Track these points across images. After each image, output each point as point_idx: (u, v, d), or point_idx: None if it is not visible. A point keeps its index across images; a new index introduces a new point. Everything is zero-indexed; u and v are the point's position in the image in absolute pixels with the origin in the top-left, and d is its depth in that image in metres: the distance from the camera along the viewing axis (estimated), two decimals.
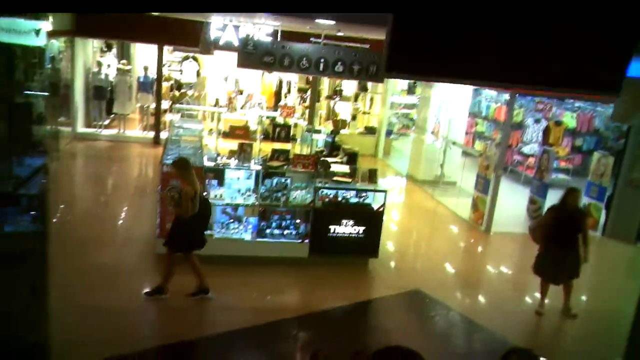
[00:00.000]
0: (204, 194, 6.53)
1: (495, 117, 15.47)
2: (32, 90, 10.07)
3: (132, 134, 14.67)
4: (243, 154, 7.54)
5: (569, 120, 14.97)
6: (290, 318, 6.19)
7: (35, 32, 7.80)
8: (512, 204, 11.29)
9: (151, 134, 14.55)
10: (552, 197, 11.38)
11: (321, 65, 5.84)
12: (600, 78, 2.17)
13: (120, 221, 8.76)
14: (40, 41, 8.05)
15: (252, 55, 5.65)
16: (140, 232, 8.11)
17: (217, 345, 5.60)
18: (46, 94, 10.50)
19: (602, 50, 2.10)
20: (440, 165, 12.74)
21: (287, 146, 10.28)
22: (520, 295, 7.63)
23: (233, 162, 7.62)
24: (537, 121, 14.64)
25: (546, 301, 6.91)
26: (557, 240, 6.56)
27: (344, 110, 16.47)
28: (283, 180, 7.63)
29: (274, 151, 8.77)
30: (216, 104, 14.77)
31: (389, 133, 16.26)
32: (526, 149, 14.30)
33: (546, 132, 14.76)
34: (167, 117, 14.83)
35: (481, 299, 7.51)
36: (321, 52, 5.88)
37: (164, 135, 13.85)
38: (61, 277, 5.21)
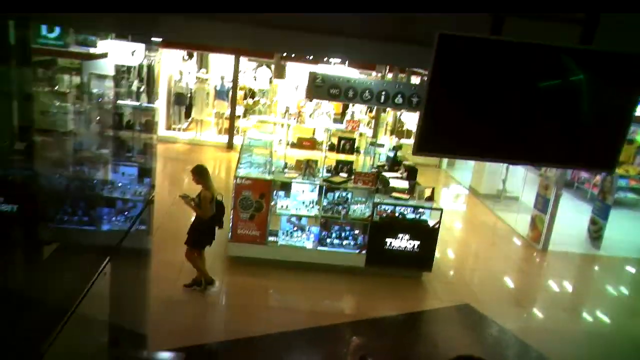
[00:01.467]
0: (219, 196, 7.24)
1: None
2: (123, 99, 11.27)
3: (207, 138, 15.76)
4: (308, 169, 8.19)
5: None
6: (343, 323, 6.78)
7: (132, 52, 8.80)
8: (574, 222, 11.30)
9: (225, 138, 15.57)
10: (616, 218, 11.38)
11: (382, 97, 6.38)
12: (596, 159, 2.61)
13: None
14: (136, 60, 9.07)
15: (320, 88, 6.27)
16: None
17: (276, 343, 6.26)
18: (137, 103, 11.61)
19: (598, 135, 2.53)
20: (503, 180, 12.86)
21: (351, 158, 10.87)
22: (569, 316, 7.81)
23: (299, 175, 8.29)
24: None
25: None
26: None
27: (410, 120, 16.80)
28: (344, 194, 8.22)
29: (338, 162, 9.52)
30: (286, 111, 15.58)
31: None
32: None
33: None
34: (241, 123, 15.89)
35: (528, 317, 7.76)
36: (383, 85, 6.42)
37: (237, 139, 14.87)
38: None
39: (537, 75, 2.42)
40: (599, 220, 10.51)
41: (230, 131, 15.53)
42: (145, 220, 7.86)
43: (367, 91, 6.34)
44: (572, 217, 11.48)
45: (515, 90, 2.43)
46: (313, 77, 6.25)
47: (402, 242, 8.09)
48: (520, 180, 12.71)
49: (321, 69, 6.65)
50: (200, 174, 7.03)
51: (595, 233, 10.51)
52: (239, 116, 15.96)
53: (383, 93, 6.37)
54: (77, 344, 2.99)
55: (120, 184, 8.19)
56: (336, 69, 10.64)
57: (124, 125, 9.42)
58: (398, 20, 3.30)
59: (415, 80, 12.13)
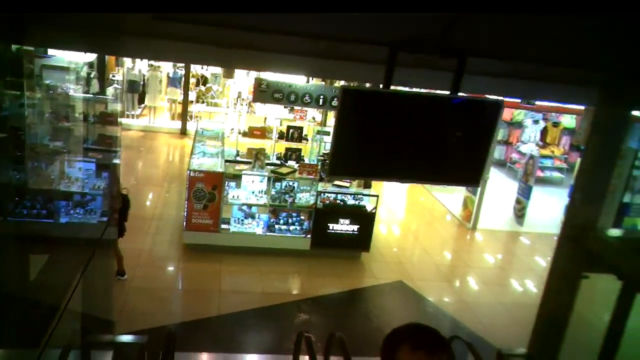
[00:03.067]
0: (124, 191, 7.77)
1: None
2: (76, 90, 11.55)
3: (160, 124, 16.13)
4: (258, 161, 8.88)
5: (569, 121, 15.92)
6: (290, 302, 7.60)
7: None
8: (503, 202, 12.46)
9: (178, 125, 15.98)
10: (541, 196, 12.61)
11: (320, 101, 7.13)
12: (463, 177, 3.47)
13: (152, 209, 10.24)
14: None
15: (264, 93, 6.96)
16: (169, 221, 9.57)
17: (227, 323, 7.02)
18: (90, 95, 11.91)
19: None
20: None
21: (300, 145, 11.60)
22: (490, 289, 8.90)
23: (249, 167, 8.99)
24: (536, 122, 15.62)
25: None
26: None
27: None
28: (291, 184, 8.98)
29: (287, 150, 10.39)
30: (238, 96, 16.08)
31: None
32: (524, 148, 15.32)
33: (544, 132, 15.79)
34: (193, 109, 16.31)
35: (454, 291, 8.80)
36: (321, 90, 7.14)
37: (190, 125, 15.35)
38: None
39: (414, 114, 3.24)
40: (522, 199, 11.68)
41: (183, 118, 15.95)
42: (107, 213, 8.43)
43: (307, 95, 7.07)
44: (501, 196, 12.65)
45: (398, 126, 3.24)
46: (258, 82, 6.92)
47: (343, 226, 8.95)
48: None
49: (267, 73, 7.25)
50: (112, 171, 7.57)
51: (519, 212, 11.69)
52: (191, 102, 16.36)
53: (321, 97, 7.12)
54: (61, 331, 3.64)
55: (77, 178, 8.64)
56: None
57: (77, 117, 9.81)
58: (328, 42, 3.99)
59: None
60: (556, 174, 15.21)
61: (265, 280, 8.11)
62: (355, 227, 8.97)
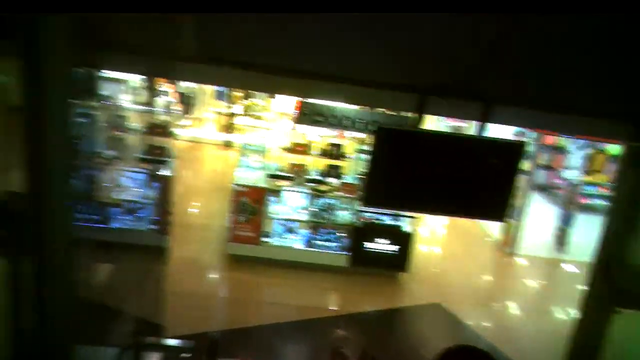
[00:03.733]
0: None
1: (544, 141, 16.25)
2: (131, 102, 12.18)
3: (206, 136, 16.68)
4: (298, 178, 9.13)
5: (615, 148, 15.60)
6: (326, 317, 7.77)
7: None
8: (545, 227, 12.31)
9: (223, 137, 16.50)
10: (584, 223, 12.40)
11: (359, 125, 7.37)
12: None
13: (198, 218, 10.61)
14: None
15: (306, 116, 7.25)
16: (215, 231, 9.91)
17: (266, 333, 7.24)
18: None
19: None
20: None
21: (340, 162, 11.82)
22: (527, 315, 8.84)
23: (291, 182, 9.25)
24: (580, 148, 15.37)
25: None
26: None
27: None
28: (331, 201, 9.19)
29: (328, 166, 10.59)
30: (282, 112, 16.46)
31: None
32: (567, 174, 15.07)
33: (589, 158, 15.52)
34: (238, 121, 16.81)
35: (493, 315, 8.78)
36: (360, 114, 7.38)
37: (234, 137, 15.88)
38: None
39: (443, 153, 3.42)
40: (563, 226, 11.53)
41: (228, 130, 16.44)
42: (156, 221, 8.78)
43: (347, 119, 7.31)
44: (543, 222, 12.51)
45: (428, 163, 3.43)
46: (301, 105, 7.20)
47: (382, 245, 9.04)
48: None
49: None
50: None
51: (560, 239, 11.54)
52: (236, 115, 16.85)
53: (360, 120, 7.36)
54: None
55: (128, 187, 9.08)
56: None
57: (129, 127, 10.31)
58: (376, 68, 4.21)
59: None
60: (600, 202, 14.89)
61: (303, 294, 8.31)
62: (394, 247, 9.02)
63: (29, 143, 1.99)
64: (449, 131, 14.59)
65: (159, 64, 4.60)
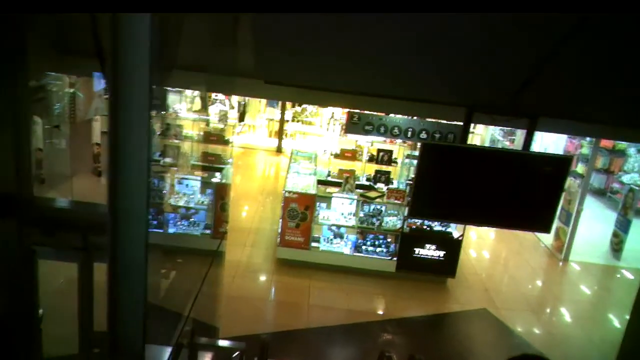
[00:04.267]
0: None
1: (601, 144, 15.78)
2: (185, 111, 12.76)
3: (259, 142, 17.15)
4: (347, 184, 9.35)
5: None
6: (374, 321, 7.94)
7: None
8: (600, 233, 12.00)
9: (275, 142, 16.92)
10: (638, 230, 12.01)
11: (409, 133, 7.49)
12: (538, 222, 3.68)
13: (250, 222, 11.01)
14: None
15: (356, 125, 7.45)
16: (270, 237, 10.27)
17: (314, 336, 7.49)
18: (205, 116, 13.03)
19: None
20: None
21: (389, 168, 11.96)
22: (577, 323, 8.69)
23: (339, 189, 9.48)
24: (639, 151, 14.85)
25: None
26: None
27: None
28: (379, 207, 9.35)
29: (377, 172, 10.77)
30: (331, 117, 16.75)
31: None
32: (625, 178, 14.60)
33: None
34: (289, 127, 17.21)
35: (540, 323, 8.69)
36: (410, 123, 7.50)
37: (285, 143, 16.25)
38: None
39: (487, 167, 3.54)
40: (620, 233, 11.21)
41: (280, 136, 16.86)
42: (210, 226, 9.21)
43: (396, 128, 7.47)
44: (599, 227, 12.19)
45: (473, 176, 3.56)
46: (350, 116, 7.42)
47: (429, 251, 9.13)
48: None
49: None
50: None
51: (617, 245, 11.21)
52: (287, 121, 17.26)
53: (410, 129, 7.48)
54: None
55: (184, 193, 9.56)
56: None
57: (185, 135, 10.81)
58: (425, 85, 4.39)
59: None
60: None
61: (351, 299, 8.51)
62: (441, 253, 9.11)
63: (112, 151, 2.31)
64: (493, 146, 14.54)
65: (217, 81, 4.96)
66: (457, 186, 3.63)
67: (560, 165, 3.67)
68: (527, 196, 3.63)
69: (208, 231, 9.16)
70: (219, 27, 4.06)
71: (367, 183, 10.47)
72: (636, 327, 4.83)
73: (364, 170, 11.85)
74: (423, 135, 7.34)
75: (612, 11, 2.67)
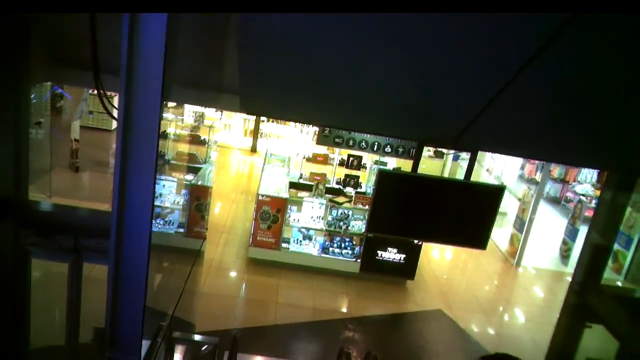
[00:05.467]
0: None
1: None
2: None
3: (233, 141, 17.58)
4: (317, 190, 9.92)
5: None
6: (338, 319, 8.55)
7: None
8: (552, 240, 12.87)
9: (250, 142, 17.39)
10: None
11: (375, 147, 8.13)
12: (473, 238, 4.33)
13: (223, 220, 11.50)
14: None
15: (327, 137, 8.05)
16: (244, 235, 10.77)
17: (281, 332, 8.05)
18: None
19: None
20: None
21: (358, 173, 12.59)
22: (524, 325, 9.48)
23: (309, 194, 10.05)
24: None
25: None
26: None
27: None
28: (346, 212, 9.96)
29: (347, 176, 11.38)
30: None
31: (456, 157, 17.97)
32: (579, 188, 15.56)
33: (601, 173, 15.95)
34: (264, 128, 17.69)
35: (491, 323, 9.45)
36: (375, 138, 8.14)
37: (260, 143, 16.74)
38: None
39: (434, 192, 4.16)
40: (569, 240, 12.08)
41: (255, 136, 17.33)
42: (183, 224, 9.66)
43: (363, 142, 8.10)
44: (550, 234, 13.06)
45: (422, 200, 4.17)
46: (322, 129, 8.01)
47: (391, 254, 9.78)
48: (511, 198, 14.28)
49: None
50: None
51: (565, 252, 12.08)
52: (263, 121, 17.74)
53: (375, 144, 8.12)
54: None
55: (160, 193, 9.98)
56: None
57: (160, 135, 11.20)
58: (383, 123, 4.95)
59: None
60: None
61: (316, 297, 9.10)
62: (402, 256, 9.77)
63: (122, 154, 2.69)
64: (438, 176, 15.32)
65: (211, 95, 5.42)
66: (407, 207, 4.24)
67: (495, 192, 4.32)
68: (466, 218, 4.28)
69: (182, 230, 9.61)
70: (203, 44, 4.51)
71: (337, 187, 11.09)
72: (564, 327, 5.54)
73: (335, 174, 12.48)
74: (388, 149, 7.97)
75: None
